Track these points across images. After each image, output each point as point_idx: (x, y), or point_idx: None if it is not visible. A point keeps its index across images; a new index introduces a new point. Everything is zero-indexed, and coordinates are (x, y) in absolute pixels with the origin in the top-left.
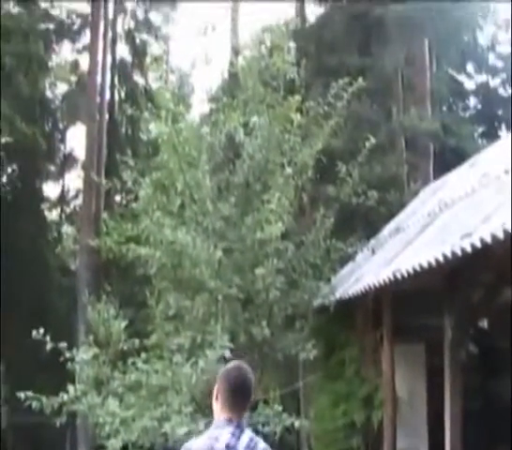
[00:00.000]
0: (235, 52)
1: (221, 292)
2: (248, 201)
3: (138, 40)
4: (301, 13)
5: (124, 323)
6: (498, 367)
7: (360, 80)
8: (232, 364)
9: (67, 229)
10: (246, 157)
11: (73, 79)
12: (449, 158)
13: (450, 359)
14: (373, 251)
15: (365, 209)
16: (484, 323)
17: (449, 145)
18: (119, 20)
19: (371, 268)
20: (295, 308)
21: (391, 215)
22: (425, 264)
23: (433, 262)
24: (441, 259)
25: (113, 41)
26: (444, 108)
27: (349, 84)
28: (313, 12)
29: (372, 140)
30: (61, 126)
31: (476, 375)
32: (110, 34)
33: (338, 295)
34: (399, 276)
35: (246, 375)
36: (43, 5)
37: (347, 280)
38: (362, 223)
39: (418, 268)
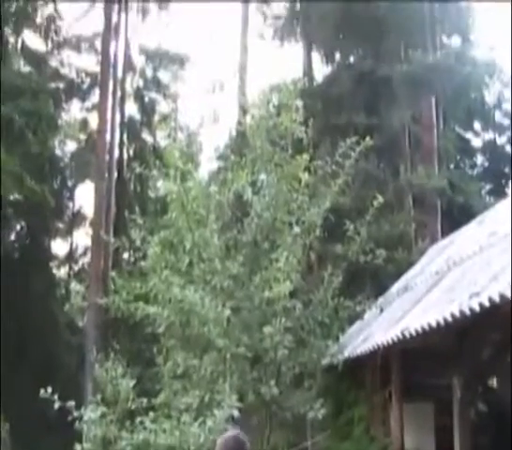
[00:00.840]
0: (243, 110)
1: (230, 350)
2: (256, 259)
3: (147, 99)
4: (308, 72)
5: (132, 382)
6: (508, 425)
7: (368, 139)
8: (229, 433)
9: (76, 286)
10: (254, 216)
11: (82, 137)
12: (457, 216)
13: (459, 418)
14: (381, 310)
15: (373, 267)
16: (493, 382)
17: (457, 203)
18: (128, 78)
19: (380, 327)
20: (304, 367)
21: (399, 273)
22: (433, 323)
23: (442, 322)
24: (449, 318)
25: (122, 100)
26: (452, 165)
27: (357, 143)
28: (321, 71)
29: (380, 198)
30: (70, 183)
31: (486, 434)
32: (119, 92)
33: (346, 354)
34: (407, 334)
35: (242, 446)
36: (53, 64)
37: (355, 339)
38: (370, 281)
39: (427, 327)
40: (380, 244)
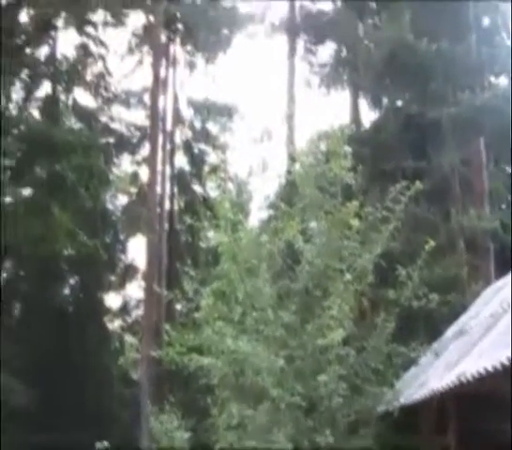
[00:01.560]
0: (292, 158)
1: (284, 399)
2: (308, 307)
3: (196, 150)
4: (356, 118)
5: (187, 434)
6: None
7: (418, 183)
8: None
9: (129, 339)
10: (305, 264)
11: (133, 190)
12: (510, 257)
13: None
14: (437, 355)
15: (426, 312)
16: None
17: (509, 244)
18: (177, 131)
19: (435, 372)
20: (359, 415)
21: (453, 316)
22: (490, 368)
23: (499, 366)
24: (506, 362)
25: (172, 152)
26: (503, 206)
27: (406, 188)
28: (368, 117)
29: (431, 242)
30: (122, 236)
31: None
32: (168, 145)
33: (402, 401)
34: (463, 380)
35: None
36: (103, 119)
37: (411, 385)
38: (424, 326)
39: (483, 372)
40: (432, 288)
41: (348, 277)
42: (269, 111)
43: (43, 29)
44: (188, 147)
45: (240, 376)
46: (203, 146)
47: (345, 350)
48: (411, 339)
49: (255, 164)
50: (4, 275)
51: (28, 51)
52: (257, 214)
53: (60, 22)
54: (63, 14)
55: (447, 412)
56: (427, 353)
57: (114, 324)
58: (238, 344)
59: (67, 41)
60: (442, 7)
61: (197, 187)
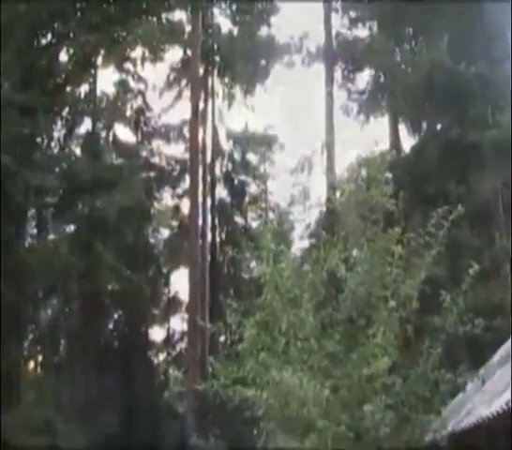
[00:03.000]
0: (332, 186)
1: (330, 430)
2: (352, 336)
3: (236, 181)
4: (396, 144)
5: None
6: None
7: (460, 207)
8: None
9: (174, 372)
10: (348, 293)
11: (174, 223)
12: None
13: None
14: (483, 381)
15: (472, 337)
16: None
17: None
18: (217, 163)
19: (482, 399)
20: (406, 445)
21: (499, 342)
22: None
23: None
24: None
25: (212, 184)
26: None
27: (448, 212)
28: (408, 142)
29: (476, 266)
30: (164, 270)
31: None
32: (208, 177)
33: (449, 429)
34: None
35: None
36: (144, 154)
37: (458, 412)
38: (470, 352)
39: None
40: (478, 313)
41: (392, 304)
42: (308, 139)
43: (83, 67)
44: (228, 179)
45: (285, 407)
46: (243, 177)
47: (391, 378)
48: (457, 365)
49: (296, 193)
50: (49, 312)
51: (68, 89)
52: (299, 243)
53: (99, 60)
54: (102, 52)
55: (497, 440)
56: (473, 380)
57: (159, 358)
58: (283, 375)
59: (106, 78)
60: (479, 30)
61: (238, 218)
